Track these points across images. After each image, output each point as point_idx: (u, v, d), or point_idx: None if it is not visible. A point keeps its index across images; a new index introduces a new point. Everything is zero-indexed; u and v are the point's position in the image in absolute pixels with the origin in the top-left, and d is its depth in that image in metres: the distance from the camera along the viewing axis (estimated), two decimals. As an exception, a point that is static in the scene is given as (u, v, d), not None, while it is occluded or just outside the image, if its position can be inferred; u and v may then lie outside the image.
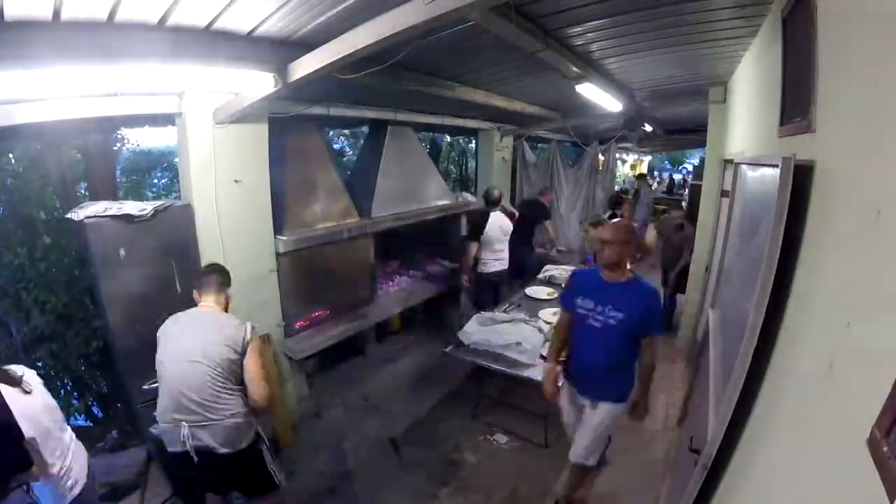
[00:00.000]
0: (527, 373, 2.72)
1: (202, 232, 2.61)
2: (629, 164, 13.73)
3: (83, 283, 2.74)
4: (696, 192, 5.11)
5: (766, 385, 1.24)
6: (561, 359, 2.37)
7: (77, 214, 2.23)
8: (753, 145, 2.47)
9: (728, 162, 3.57)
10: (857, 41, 1.02)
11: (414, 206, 4.27)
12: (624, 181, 12.16)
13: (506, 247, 4.29)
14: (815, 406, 0.87)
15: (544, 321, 3.25)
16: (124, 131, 3.15)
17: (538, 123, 5.63)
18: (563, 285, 3.42)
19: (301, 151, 3.42)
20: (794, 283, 1.19)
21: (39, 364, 2.81)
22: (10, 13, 1.46)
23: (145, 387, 2.41)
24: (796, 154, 1.17)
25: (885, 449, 0.55)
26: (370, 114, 3.79)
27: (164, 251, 2.47)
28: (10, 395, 1.43)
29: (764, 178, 1.55)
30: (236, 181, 2.70)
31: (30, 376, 1.60)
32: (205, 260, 2.62)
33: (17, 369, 1.59)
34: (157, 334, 1.94)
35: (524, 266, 4.90)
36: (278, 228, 3.06)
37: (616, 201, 5.15)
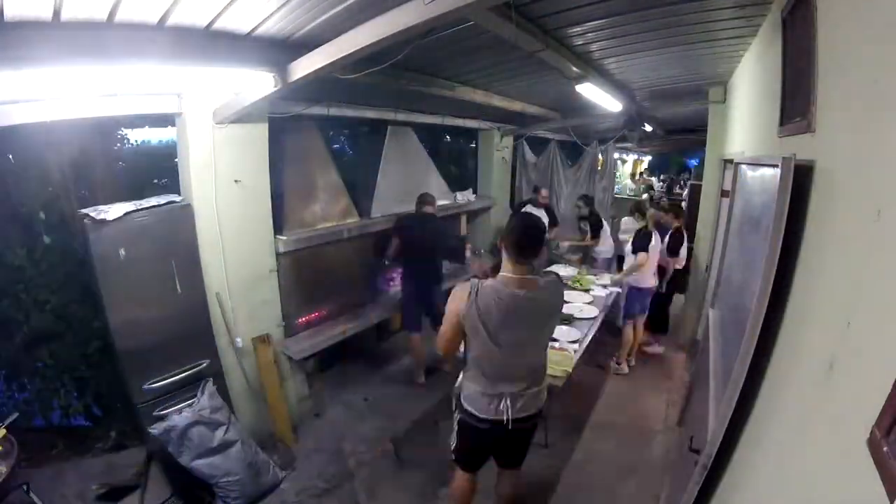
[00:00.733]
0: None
1: (202, 232, 2.61)
2: (629, 164, 13.56)
3: (83, 283, 2.73)
4: (695, 191, 5.10)
5: (766, 385, 1.24)
6: None
7: (105, 214, 2.23)
8: (753, 145, 2.47)
9: (728, 162, 3.57)
10: (857, 41, 1.02)
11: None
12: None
13: None
14: (815, 406, 0.87)
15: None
16: (125, 131, 3.16)
17: (538, 123, 5.63)
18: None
19: (301, 151, 3.42)
20: (794, 283, 1.19)
21: (39, 364, 2.80)
22: (10, 13, 1.45)
23: (146, 387, 2.43)
24: (796, 154, 1.17)
25: (885, 449, 0.54)
26: (370, 114, 3.79)
27: (164, 251, 2.47)
28: None
29: (764, 178, 1.54)
30: (236, 181, 2.70)
31: None
32: (204, 260, 2.62)
33: None
34: None
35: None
36: (278, 228, 3.06)
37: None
